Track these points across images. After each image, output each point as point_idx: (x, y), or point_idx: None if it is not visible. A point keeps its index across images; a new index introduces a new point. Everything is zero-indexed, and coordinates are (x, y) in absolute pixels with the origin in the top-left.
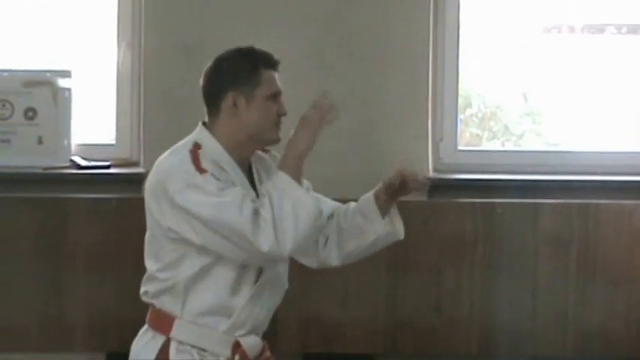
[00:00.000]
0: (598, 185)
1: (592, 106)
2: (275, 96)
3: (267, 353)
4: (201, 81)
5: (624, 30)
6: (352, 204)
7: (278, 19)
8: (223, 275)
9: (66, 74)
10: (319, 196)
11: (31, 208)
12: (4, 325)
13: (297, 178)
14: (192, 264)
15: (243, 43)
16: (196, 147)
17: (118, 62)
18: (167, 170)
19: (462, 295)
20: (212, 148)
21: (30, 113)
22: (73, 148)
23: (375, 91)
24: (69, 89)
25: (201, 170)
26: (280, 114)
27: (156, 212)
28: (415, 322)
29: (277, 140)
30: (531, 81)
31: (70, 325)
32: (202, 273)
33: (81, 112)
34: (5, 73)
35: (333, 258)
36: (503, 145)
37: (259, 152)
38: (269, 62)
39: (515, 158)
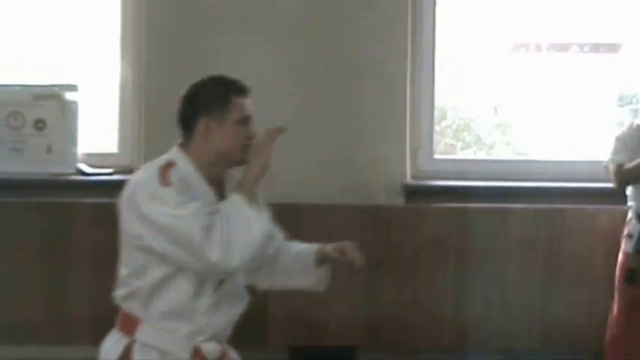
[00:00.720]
0: (563, 191)
1: (557, 118)
2: (245, 121)
3: (229, 357)
4: (177, 106)
5: (586, 48)
6: (294, 247)
7: (268, 36)
8: (184, 284)
9: (73, 88)
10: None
11: (40, 212)
12: (13, 321)
13: (252, 199)
14: (155, 272)
15: (236, 57)
16: (168, 165)
17: (121, 76)
18: (137, 183)
19: (438, 293)
20: (184, 166)
21: (39, 124)
22: (79, 156)
23: (357, 104)
24: (75, 102)
25: (165, 184)
26: (249, 137)
27: (125, 221)
28: (394, 318)
29: (245, 161)
30: (501, 95)
31: (74, 321)
32: (164, 281)
33: (86, 123)
34: (17, 87)
35: (261, 282)
36: (475, 154)
37: (234, 172)
38: (239, 90)
39: (486, 166)
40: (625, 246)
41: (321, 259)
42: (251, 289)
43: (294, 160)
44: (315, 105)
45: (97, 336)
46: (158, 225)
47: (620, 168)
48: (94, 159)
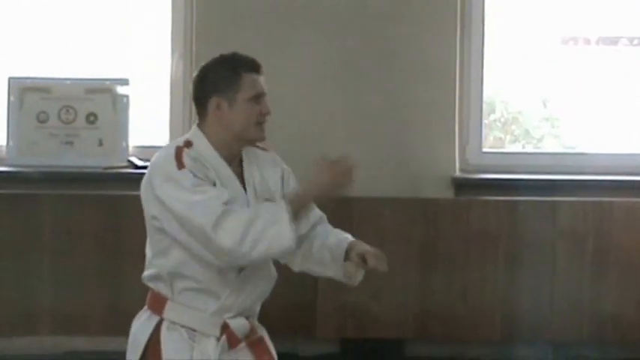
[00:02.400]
0: (611, 184)
1: (606, 111)
2: (257, 97)
3: (259, 334)
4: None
5: (636, 42)
6: (331, 237)
7: (323, 33)
8: (206, 264)
9: (124, 82)
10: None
11: (92, 204)
12: (69, 311)
13: (297, 214)
14: (177, 252)
15: (286, 51)
16: (186, 144)
17: (171, 71)
18: (154, 165)
19: (486, 285)
20: (202, 146)
21: (91, 118)
22: (130, 149)
23: (407, 99)
24: (127, 96)
25: (180, 165)
26: (264, 113)
27: (144, 201)
28: (443, 310)
29: (261, 138)
30: (550, 88)
31: (127, 311)
32: (187, 261)
33: (137, 117)
34: (69, 82)
35: (294, 265)
36: (523, 148)
37: (254, 149)
38: (250, 66)
39: (534, 159)
40: None
41: (352, 255)
42: (302, 283)
43: (345, 152)
44: (365, 99)
45: None
46: (172, 210)
47: None
48: (144, 152)
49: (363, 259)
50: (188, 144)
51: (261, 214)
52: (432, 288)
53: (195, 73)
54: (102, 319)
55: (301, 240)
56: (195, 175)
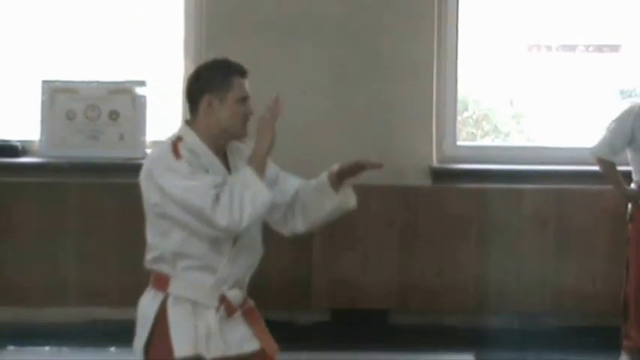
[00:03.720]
0: (571, 174)
1: (565, 109)
2: (243, 99)
3: (250, 303)
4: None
5: (591, 49)
6: (312, 181)
7: (316, 42)
8: (201, 243)
9: (142, 84)
10: (288, 175)
11: (113, 192)
12: (92, 285)
13: (261, 171)
14: (176, 234)
15: (284, 58)
16: (178, 140)
17: (184, 73)
18: (152, 157)
19: (460, 263)
20: (191, 140)
21: (113, 115)
22: (147, 143)
23: (390, 99)
24: (144, 96)
25: (177, 156)
26: (247, 114)
27: (145, 191)
28: (422, 284)
29: (244, 135)
30: (516, 89)
31: (143, 285)
32: (185, 241)
33: (154, 114)
34: (94, 84)
35: (299, 226)
36: (493, 141)
37: (236, 143)
38: (240, 71)
39: (502, 152)
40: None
41: (338, 178)
42: (298, 262)
43: (336, 146)
44: (353, 99)
45: None
46: (172, 196)
47: (605, 164)
48: None
49: (358, 165)
50: (179, 139)
51: (234, 185)
52: (412, 265)
53: (190, 74)
54: (120, 292)
55: (292, 205)
56: (190, 164)
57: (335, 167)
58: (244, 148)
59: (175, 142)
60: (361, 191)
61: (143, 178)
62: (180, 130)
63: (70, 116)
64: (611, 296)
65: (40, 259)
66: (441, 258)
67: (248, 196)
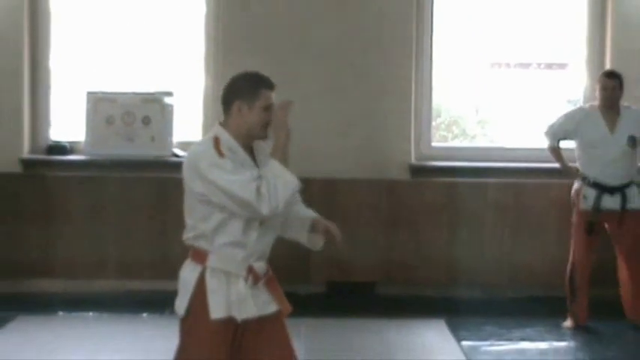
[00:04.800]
0: (526, 169)
1: (522, 116)
2: (268, 108)
3: (270, 273)
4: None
5: (543, 66)
6: (302, 211)
7: (314, 60)
8: (236, 224)
9: (169, 94)
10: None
11: (146, 184)
12: (128, 261)
13: (285, 161)
14: (215, 217)
15: (289, 72)
16: (216, 139)
17: (205, 85)
18: (198, 154)
19: (434, 243)
20: (226, 139)
21: (146, 120)
22: (174, 143)
23: (376, 108)
24: (172, 104)
25: (220, 154)
26: (269, 121)
27: (190, 183)
28: (402, 261)
29: (265, 137)
30: (481, 99)
31: (171, 262)
32: (222, 223)
33: (179, 119)
34: (129, 94)
35: (277, 230)
36: (461, 143)
37: (259, 142)
38: (268, 84)
39: (470, 152)
40: (581, 206)
41: (314, 228)
42: (297, 242)
43: (332, 147)
44: (347, 107)
45: None
46: (219, 187)
47: (549, 146)
48: (185, 145)
49: (326, 232)
50: (217, 139)
51: (268, 177)
52: (394, 245)
53: (226, 83)
54: (150, 267)
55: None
56: (232, 161)
57: (316, 219)
58: (265, 145)
59: (217, 142)
60: (353, 184)
61: (187, 169)
62: (216, 130)
63: (109, 121)
64: (557, 271)
65: (85, 240)
66: (419, 239)
67: (280, 184)
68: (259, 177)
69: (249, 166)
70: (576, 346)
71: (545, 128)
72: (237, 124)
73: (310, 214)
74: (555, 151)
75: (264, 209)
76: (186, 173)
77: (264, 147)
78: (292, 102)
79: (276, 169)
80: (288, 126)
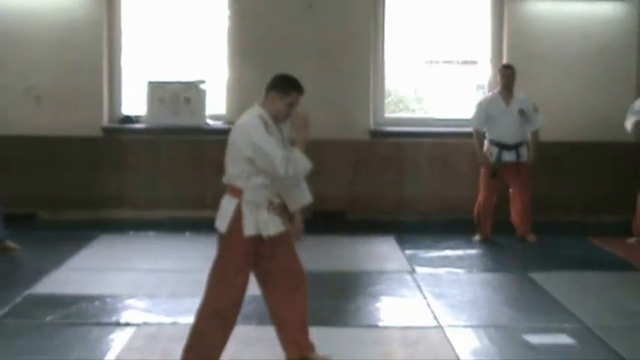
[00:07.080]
0: (451, 133)
1: (447, 97)
2: (292, 104)
3: (282, 205)
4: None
5: (460, 62)
6: (297, 194)
7: (302, 57)
8: (264, 175)
9: (203, 82)
10: None
11: (187, 145)
12: (172, 195)
13: (303, 151)
14: (252, 171)
15: (290, 65)
16: (262, 116)
17: (227, 77)
18: (247, 123)
19: (388, 182)
20: (266, 116)
21: (187, 100)
22: (207, 116)
23: (346, 89)
24: (205, 90)
25: (266, 127)
26: (291, 112)
27: (241, 145)
28: (365, 195)
29: (284, 121)
30: (419, 84)
31: (206, 198)
32: (258, 174)
33: (210, 100)
34: (175, 83)
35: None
36: (405, 114)
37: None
38: (297, 88)
39: (411, 121)
40: (488, 159)
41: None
42: None
43: (316, 116)
44: (326, 91)
45: (216, 204)
46: (263, 151)
47: (476, 133)
48: (215, 117)
49: (296, 232)
50: (260, 115)
51: (292, 157)
52: (359, 184)
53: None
54: (192, 201)
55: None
56: (270, 134)
57: (296, 212)
58: (285, 125)
59: (261, 117)
60: (327, 143)
61: (240, 136)
62: (258, 109)
63: (162, 101)
64: (471, 203)
65: (146, 182)
66: (377, 180)
67: (301, 163)
68: (285, 147)
69: (279, 138)
70: (483, 252)
71: (470, 118)
72: (270, 108)
73: (299, 201)
74: (477, 135)
75: (281, 171)
76: (238, 139)
77: (285, 125)
78: (308, 114)
79: (298, 155)
80: (308, 129)
